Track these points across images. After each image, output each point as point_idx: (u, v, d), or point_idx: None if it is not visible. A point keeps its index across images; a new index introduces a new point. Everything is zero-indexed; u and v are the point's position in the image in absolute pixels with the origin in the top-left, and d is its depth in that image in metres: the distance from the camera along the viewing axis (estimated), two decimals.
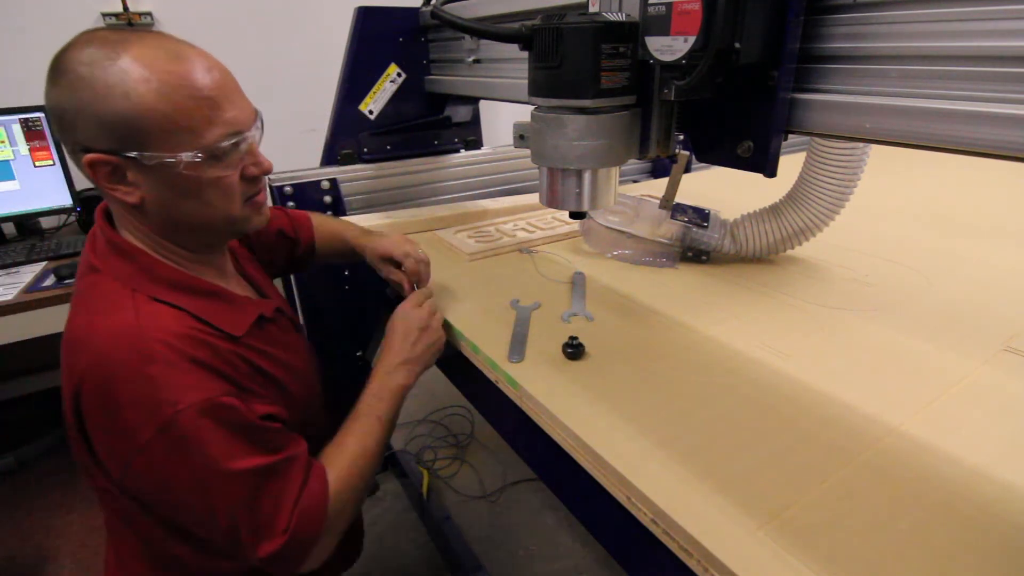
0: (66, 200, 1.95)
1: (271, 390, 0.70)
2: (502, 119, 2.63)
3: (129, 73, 0.56)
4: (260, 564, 0.63)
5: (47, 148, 1.90)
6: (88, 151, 0.59)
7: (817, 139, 0.93)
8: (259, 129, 0.68)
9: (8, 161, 1.86)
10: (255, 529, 0.61)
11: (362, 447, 0.73)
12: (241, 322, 0.69)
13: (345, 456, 0.72)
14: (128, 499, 0.66)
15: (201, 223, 0.66)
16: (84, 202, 2.02)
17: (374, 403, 0.77)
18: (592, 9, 0.66)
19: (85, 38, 0.58)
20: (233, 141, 0.63)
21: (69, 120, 0.59)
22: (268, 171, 0.69)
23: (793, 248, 1.06)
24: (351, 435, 0.74)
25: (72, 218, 2.11)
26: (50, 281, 1.61)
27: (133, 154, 0.58)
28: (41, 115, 1.88)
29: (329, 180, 1.42)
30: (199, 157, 0.60)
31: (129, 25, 2.11)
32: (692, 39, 0.53)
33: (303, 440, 0.69)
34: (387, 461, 1.97)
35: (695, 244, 1.09)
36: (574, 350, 0.78)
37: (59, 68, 0.58)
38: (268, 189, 1.33)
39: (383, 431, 0.77)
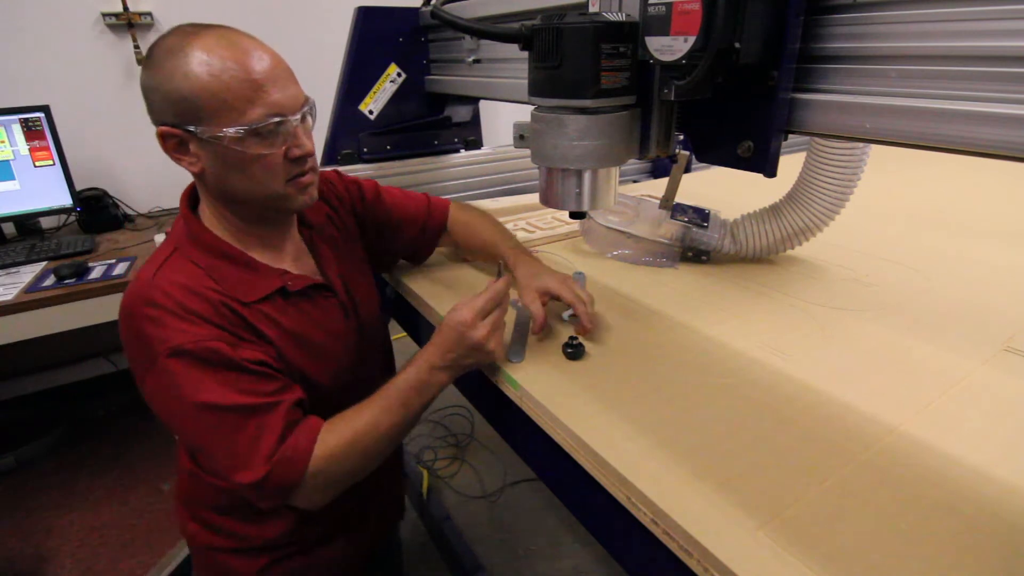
0: (66, 200, 1.95)
1: (268, 351, 0.73)
2: (502, 119, 2.63)
3: (192, 57, 0.65)
4: (241, 491, 0.69)
5: (47, 148, 1.90)
6: (161, 124, 0.68)
7: (817, 139, 0.93)
8: (309, 115, 0.74)
9: (8, 161, 1.86)
10: (232, 460, 0.67)
11: (374, 424, 0.73)
12: (256, 290, 0.75)
13: (353, 426, 0.72)
14: None
15: (247, 196, 0.73)
16: (84, 202, 2.02)
17: (406, 390, 0.76)
18: (592, 9, 0.66)
19: (171, 30, 0.69)
20: (274, 121, 0.68)
21: (149, 98, 0.69)
22: (309, 153, 0.74)
23: (793, 248, 1.06)
24: (368, 410, 0.74)
25: (72, 218, 2.11)
26: (50, 281, 1.61)
27: (191, 128, 0.67)
28: (41, 115, 1.88)
29: None
30: (241, 132, 0.67)
31: (131, 26, 2.11)
32: (692, 39, 0.53)
33: (298, 391, 0.73)
34: None
35: (695, 244, 1.09)
36: (574, 350, 0.78)
37: (148, 54, 0.68)
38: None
39: (404, 419, 0.75)
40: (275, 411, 0.69)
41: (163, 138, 0.69)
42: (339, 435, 0.71)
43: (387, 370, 1.02)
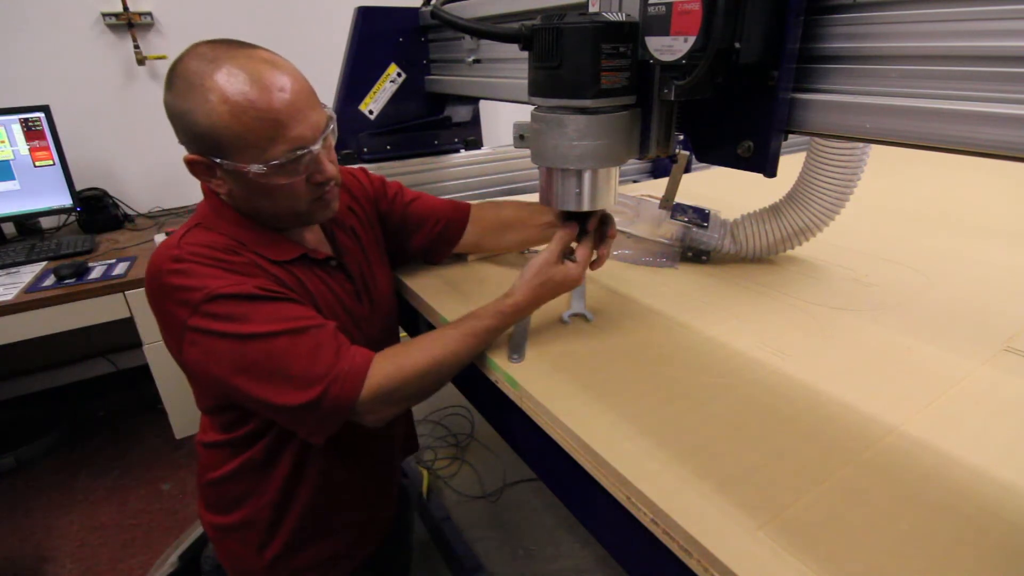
0: (66, 200, 1.96)
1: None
2: (502, 119, 2.63)
3: (212, 93, 0.65)
4: (298, 418, 0.70)
5: (47, 148, 1.90)
6: (188, 150, 0.71)
7: (817, 139, 0.93)
8: (332, 133, 0.75)
9: (8, 161, 1.86)
10: (286, 384, 0.68)
11: (430, 350, 0.75)
12: (283, 252, 0.78)
13: (411, 353, 0.74)
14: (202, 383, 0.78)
15: (272, 215, 0.77)
16: (84, 202, 2.02)
17: (470, 319, 0.77)
18: (592, 9, 0.66)
19: (192, 52, 0.68)
20: (296, 156, 0.70)
21: (173, 122, 0.70)
22: (331, 178, 0.76)
23: (793, 248, 1.06)
24: (428, 339, 0.76)
25: (72, 218, 2.11)
26: (50, 281, 1.61)
27: (217, 159, 0.69)
28: (41, 115, 1.88)
29: None
30: (264, 169, 0.69)
31: (131, 26, 2.11)
32: (692, 39, 0.53)
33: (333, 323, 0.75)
34: None
35: (695, 244, 1.09)
36: None
37: (172, 75, 0.69)
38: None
39: (467, 344, 0.76)
40: (325, 329, 0.71)
41: (191, 164, 0.71)
42: (400, 356, 0.73)
43: None
